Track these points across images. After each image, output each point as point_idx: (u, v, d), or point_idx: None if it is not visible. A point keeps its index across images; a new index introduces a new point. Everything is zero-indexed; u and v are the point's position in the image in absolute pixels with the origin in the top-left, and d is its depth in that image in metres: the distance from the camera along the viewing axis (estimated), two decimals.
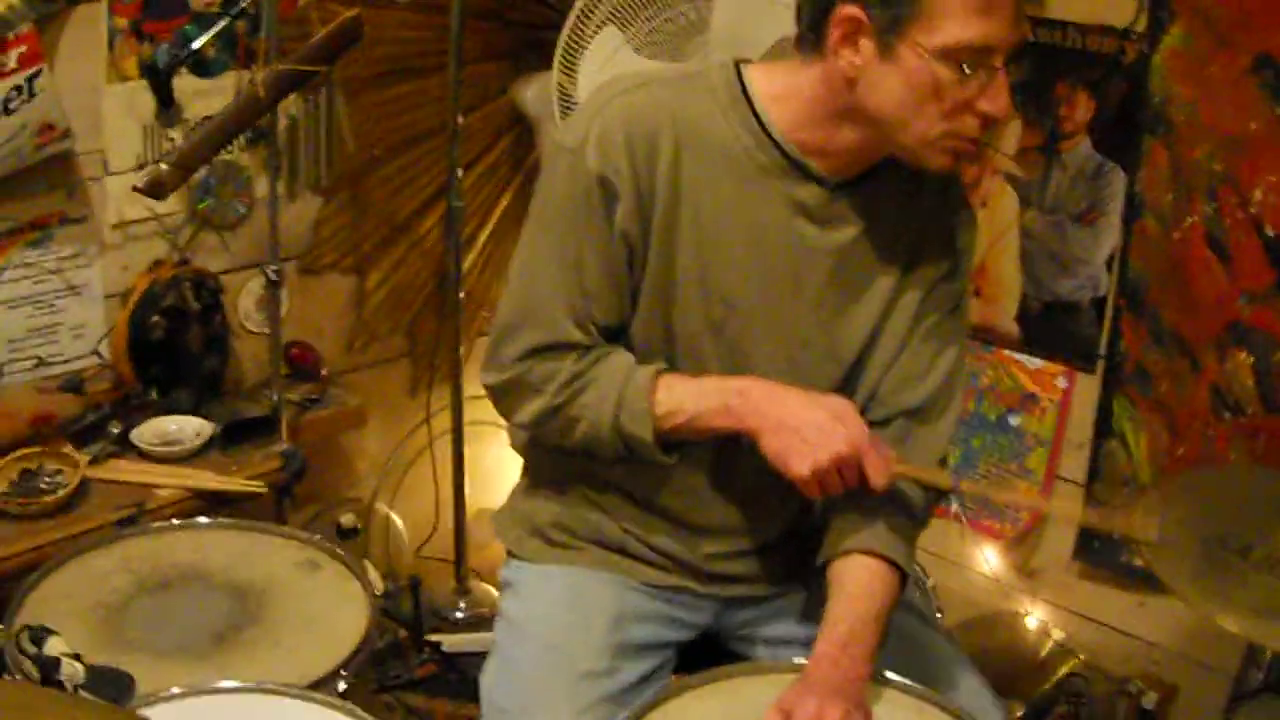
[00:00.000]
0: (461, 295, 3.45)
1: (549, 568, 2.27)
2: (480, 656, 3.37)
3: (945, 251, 2.14)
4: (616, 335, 2.09)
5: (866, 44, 1.89)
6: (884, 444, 2.03)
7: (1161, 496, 2.51)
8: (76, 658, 1.97)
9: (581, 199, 1.99)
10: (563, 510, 2.26)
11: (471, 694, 3.27)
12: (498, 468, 3.83)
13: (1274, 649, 2.15)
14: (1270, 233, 2.88)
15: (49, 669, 1.93)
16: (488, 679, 2.23)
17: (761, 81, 2.03)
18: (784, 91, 2.01)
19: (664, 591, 2.25)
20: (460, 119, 3.30)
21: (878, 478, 1.97)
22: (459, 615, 3.65)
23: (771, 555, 2.26)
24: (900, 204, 2.09)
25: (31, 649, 1.97)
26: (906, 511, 2.12)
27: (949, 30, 1.83)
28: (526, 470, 2.35)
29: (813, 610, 2.16)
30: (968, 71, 1.84)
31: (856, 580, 2.05)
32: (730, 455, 2.13)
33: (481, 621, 3.61)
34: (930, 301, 2.14)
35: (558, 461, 2.24)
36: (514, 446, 2.35)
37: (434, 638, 3.49)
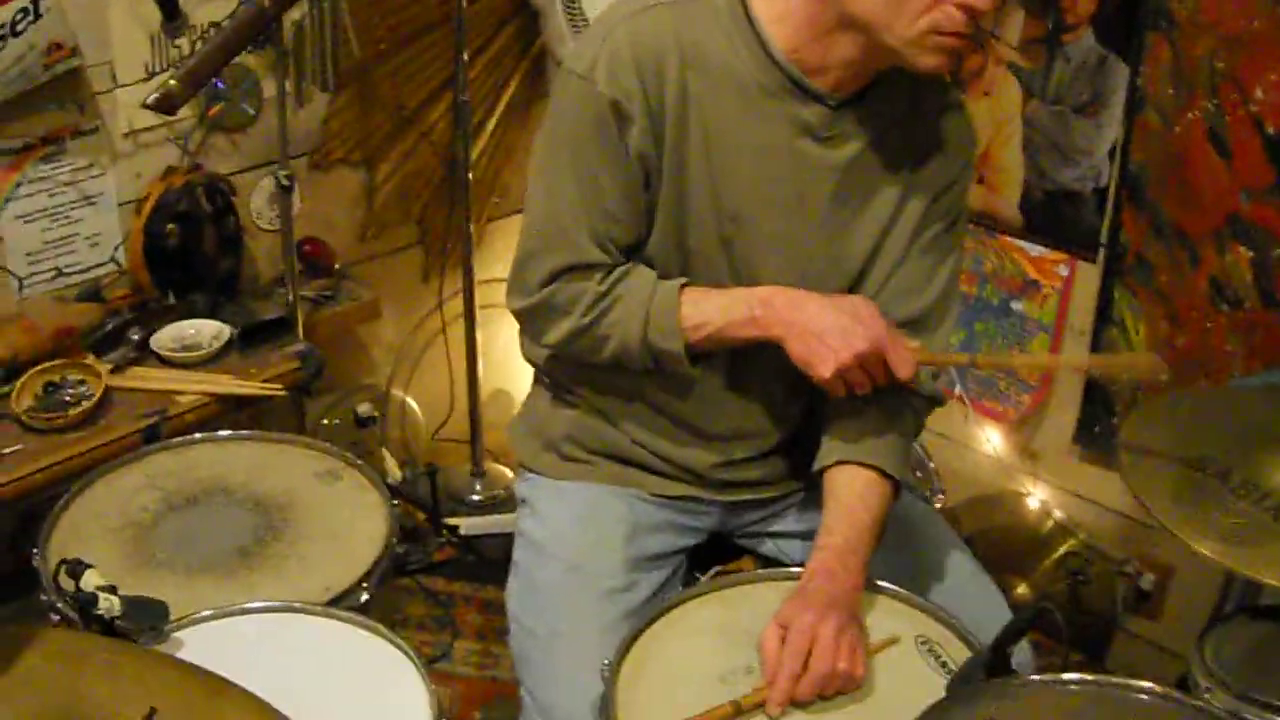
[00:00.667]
0: (469, 181, 3.49)
1: (564, 484, 2.35)
2: (497, 539, 3.52)
3: (945, 167, 2.19)
4: (634, 254, 2.15)
5: None
6: (904, 337, 2.10)
7: (1145, 416, 2.54)
8: (112, 590, 2.04)
9: (595, 124, 2.04)
10: (575, 424, 2.34)
11: (489, 576, 3.42)
12: (510, 350, 3.86)
13: (1247, 575, 2.20)
14: (1271, 131, 2.90)
15: (87, 604, 2.01)
16: (513, 600, 2.31)
17: (762, 3, 2.06)
18: (783, 11, 2.05)
19: (673, 501, 2.34)
20: (464, 7, 3.31)
21: (902, 369, 2.05)
22: (475, 498, 3.76)
23: (775, 460, 2.35)
24: (902, 120, 2.14)
25: (70, 584, 2.05)
26: (902, 419, 2.20)
27: None
28: (538, 381, 2.42)
29: (811, 507, 2.27)
30: None
31: (850, 489, 2.14)
32: (744, 361, 2.20)
33: (497, 503, 3.72)
34: (931, 215, 2.19)
35: (570, 374, 2.31)
36: (525, 356, 2.40)
37: (451, 521, 3.59)
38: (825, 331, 2.03)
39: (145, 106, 2.82)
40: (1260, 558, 2.12)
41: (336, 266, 3.47)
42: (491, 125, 3.79)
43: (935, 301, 2.21)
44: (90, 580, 2.05)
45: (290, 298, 3.19)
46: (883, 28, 1.94)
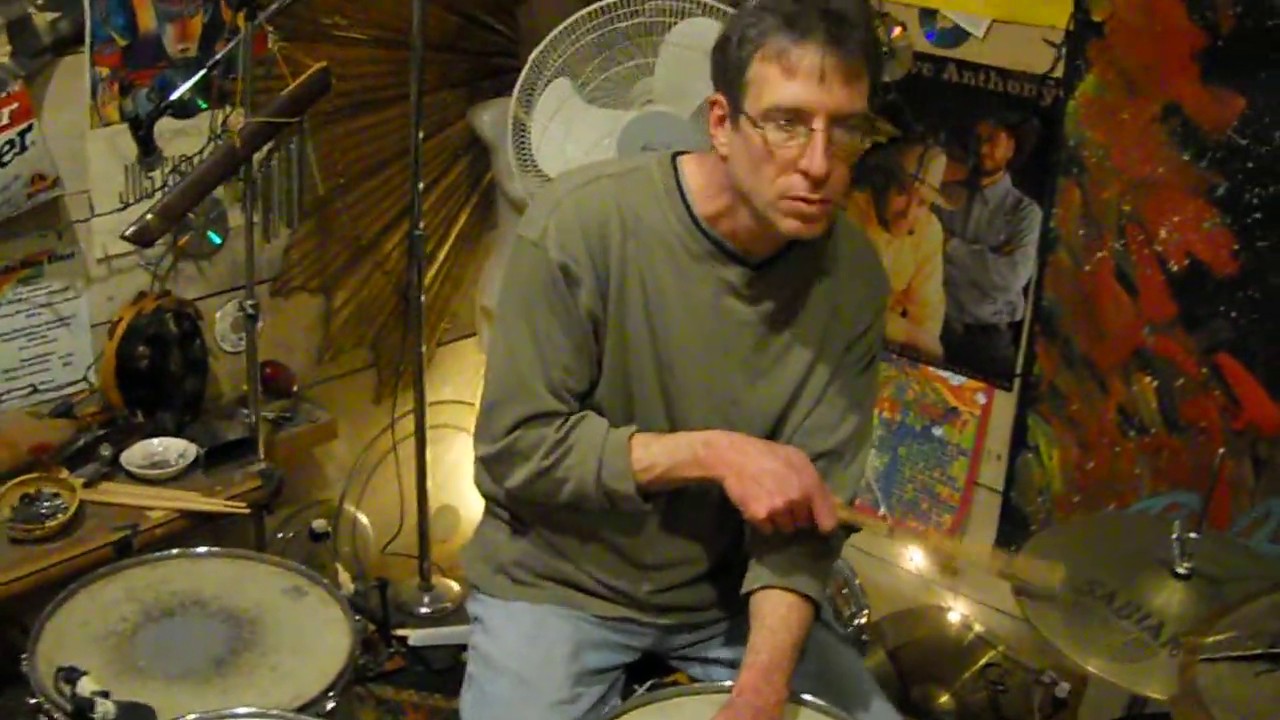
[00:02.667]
0: (423, 298, 3.65)
1: (513, 604, 2.54)
2: (444, 649, 3.65)
3: (859, 316, 2.41)
4: (587, 400, 2.35)
5: (728, 123, 2.18)
6: (830, 492, 2.29)
7: (1042, 543, 2.70)
8: (105, 695, 2.19)
9: (548, 285, 2.25)
10: (526, 552, 2.53)
11: (436, 685, 3.54)
12: (457, 468, 4.04)
13: (1129, 690, 2.38)
14: (1174, 268, 3.11)
15: (84, 708, 2.16)
16: (466, 710, 2.50)
17: (692, 174, 2.30)
18: (705, 182, 2.28)
19: (613, 621, 2.54)
20: (420, 144, 3.49)
21: (825, 521, 2.25)
22: (424, 610, 3.87)
23: (704, 587, 2.55)
24: (819, 276, 2.36)
25: (67, 689, 2.20)
26: (820, 546, 2.37)
27: (766, 96, 2.09)
28: (491, 512, 2.60)
29: (738, 634, 2.46)
30: (788, 131, 2.08)
31: (774, 613, 2.33)
32: (680, 499, 2.40)
33: (445, 616, 3.84)
34: (846, 360, 2.41)
35: (519, 506, 2.51)
36: (481, 490, 2.59)
37: (401, 632, 3.71)
38: (762, 475, 2.23)
39: (123, 239, 2.97)
40: (1142, 673, 2.30)
41: (295, 388, 3.62)
42: (443, 255, 3.97)
43: (849, 437, 2.42)
44: (85, 686, 2.21)
45: (252, 419, 3.33)
46: (752, 194, 2.16)
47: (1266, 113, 2.92)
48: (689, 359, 2.32)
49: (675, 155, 2.34)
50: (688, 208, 2.28)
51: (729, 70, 2.14)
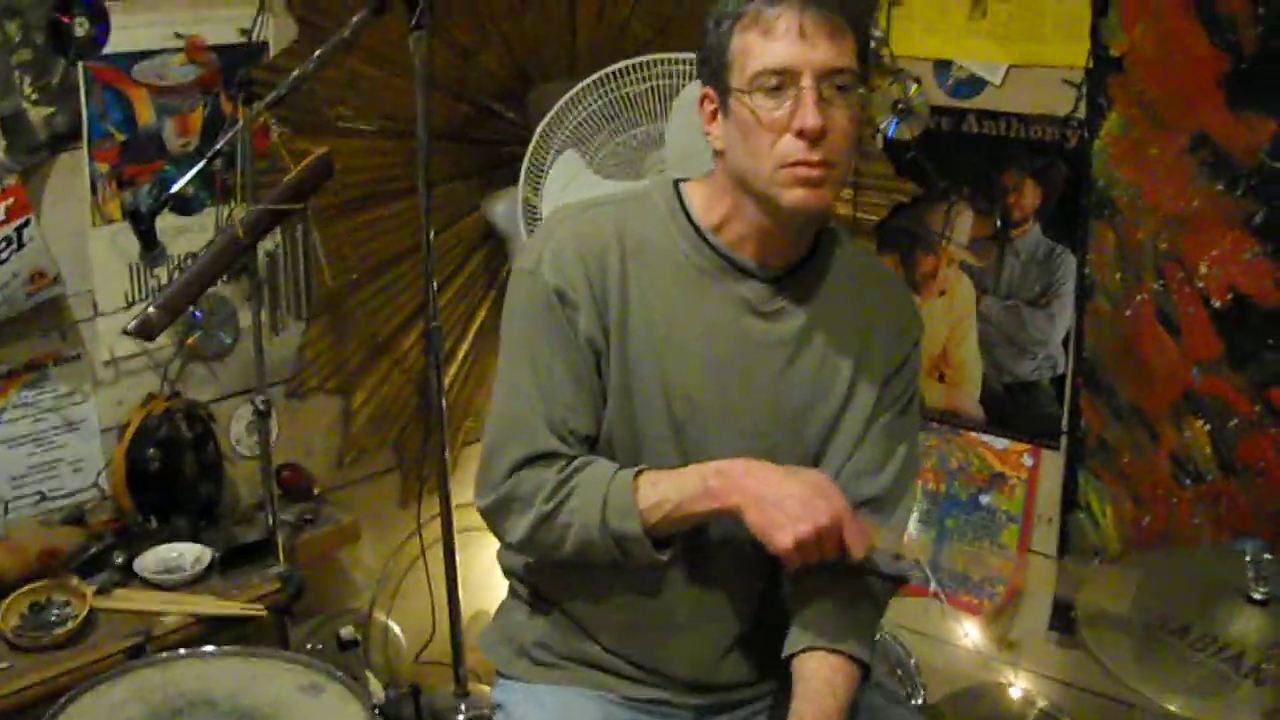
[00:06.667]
0: (444, 406, 3.55)
1: (537, 687, 2.37)
2: None
3: (896, 346, 2.27)
4: (595, 446, 2.20)
5: (719, 114, 2.10)
6: (860, 517, 2.12)
7: (1099, 586, 2.58)
8: None
9: (545, 314, 2.13)
10: (547, 630, 2.37)
11: None
12: (490, 572, 3.87)
13: None
14: (1216, 304, 3.01)
15: None
16: None
17: (695, 193, 2.20)
18: (707, 193, 2.18)
19: (643, 704, 2.35)
20: (432, 238, 3.41)
21: (857, 549, 2.07)
22: (460, 718, 3.73)
23: (739, 659, 2.35)
24: (844, 293, 2.23)
25: None
26: (867, 601, 2.22)
27: (751, 64, 2.02)
28: (512, 591, 2.47)
29: (780, 715, 2.24)
30: (776, 97, 2.01)
31: (818, 675, 2.14)
32: (704, 551, 2.23)
33: None
34: (885, 397, 2.25)
35: (543, 581, 2.36)
36: (502, 565, 2.46)
37: None
38: (785, 500, 2.04)
39: (125, 333, 2.89)
40: (1226, 707, 2.15)
41: (316, 492, 3.51)
42: (463, 351, 3.87)
43: (892, 483, 2.25)
44: None
45: (270, 522, 3.22)
46: (751, 175, 2.06)
47: None
48: (706, 389, 2.18)
49: (677, 181, 2.24)
50: (692, 224, 2.17)
51: (713, 55, 2.08)
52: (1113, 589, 2.48)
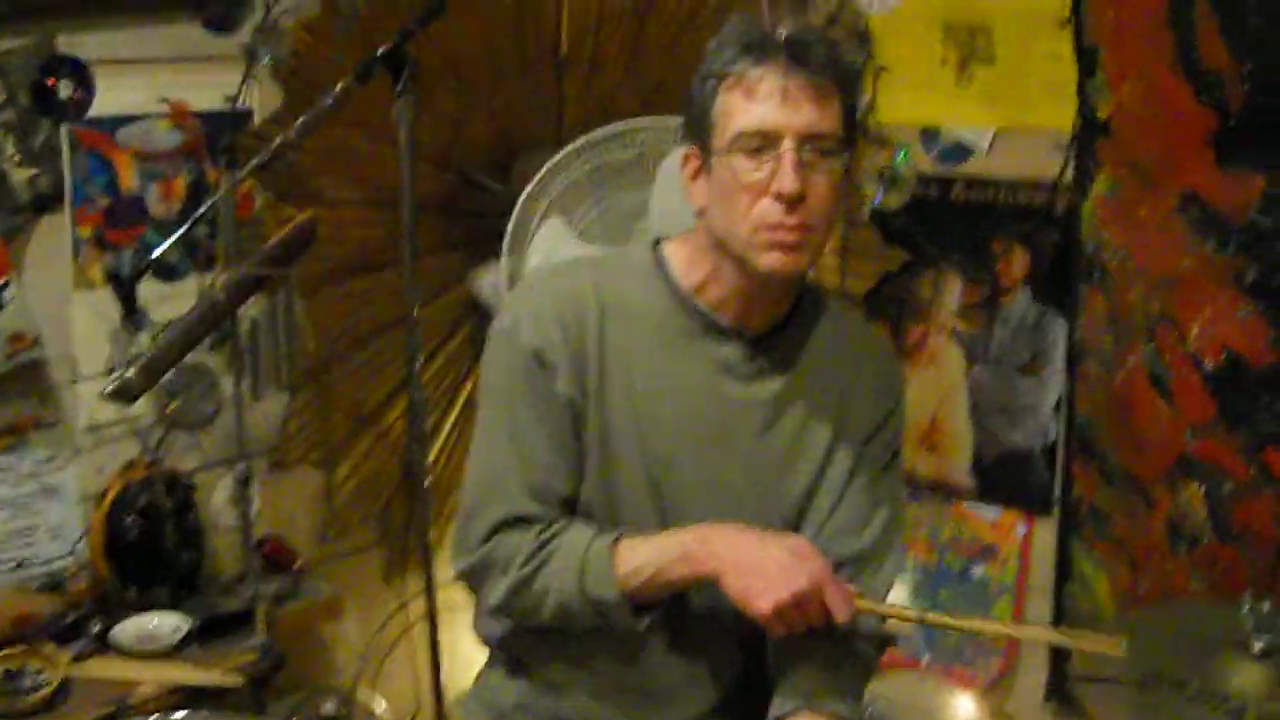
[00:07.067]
0: (428, 483, 3.49)
1: None
2: None
3: (876, 405, 2.22)
4: (573, 509, 2.14)
5: (701, 173, 2.06)
6: (844, 581, 2.07)
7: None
8: None
9: (522, 375, 2.08)
10: (523, 694, 2.30)
11: None
12: (475, 650, 3.84)
13: None
14: (1209, 365, 2.98)
15: None
16: None
17: (676, 252, 2.16)
18: (688, 253, 2.14)
19: None
20: (418, 311, 3.37)
21: (840, 612, 2.01)
22: None
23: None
24: (825, 354, 2.18)
25: None
26: (853, 663, 2.16)
27: (732, 126, 1.98)
28: (490, 659, 2.40)
29: None
30: (757, 158, 1.97)
31: None
32: (684, 618, 2.17)
33: None
34: (866, 455, 2.20)
35: (521, 646, 2.28)
36: (478, 634, 2.39)
37: None
38: (764, 565, 2.00)
39: (104, 396, 2.85)
40: None
41: (298, 565, 3.46)
42: (448, 426, 3.82)
43: (875, 542, 2.20)
44: None
45: (251, 593, 3.17)
46: (729, 236, 2.02)
47: None
48: (684, 451, 2.13)
49: (657, 241, 2.21)
50: (672, 284, 2.13)
51: (697, 114, 2.05)
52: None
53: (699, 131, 2.05)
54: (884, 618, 2.20)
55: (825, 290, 2.29)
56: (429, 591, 3.56)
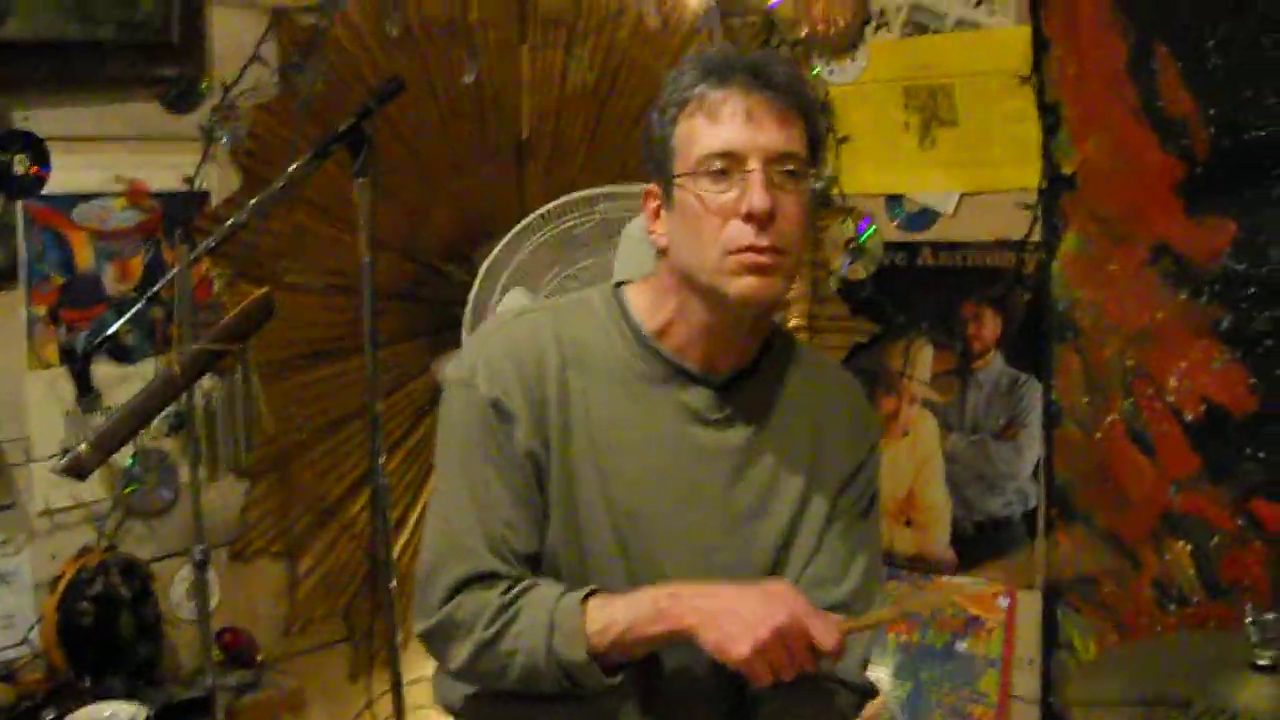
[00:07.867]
0: (394, 582, 3.38)
1: None
2: None
3: (850, 451, 2.15)
4: (538, 565, 2.05)
5: (663, 209, 2.02)
6: (825, 612, 1.96)
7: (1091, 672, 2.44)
8: None
9: (480, 426, 2.01)
10: None
11: None
12: None
13: None
14: (1189, 417, 2.93)
15: None
16: None
17: (638, 296, 2.10)
18: (653, 297, 2.08)
19: None
20: (381, 403, 3.28)
21: (827, 640, 1.90)
22: None
23: None
24: (795, 398, 2.12)
25: None
26: (832, 717, 2.08)
27: (696, 149, 1.95)
28: None
29: None
30: (723, 182, 1.93)
31: None
32: (656, 676, 2.06)
33: None
34: (842, 503, 2.13)
35: (482, 713, 2.16)
36: (441, 702, 2.26)
37: None
38: (739, 610, 1.89)
39: (55, 472, 2.77)
40: None
41: (260, 659, 3.34)
42: (414, 519, 3.73)
43: (855, 591, 2.11)
44: None
45: (209, 682, 3.05)
46: (696, 266, 1.96)
47: (1259, 231, 2.82)
48: (651, 502, 2.04)
49: (618, 285, 2.15)
50: (635, 328, 2.07)
51: (656, 147, 2.01)
52: (1103, 680, 2.33)
53: (660, 164, 2.01)
54: (865, 663, 2.14)
55: (793, 334, 2.24)
56: (395, 690, 3.45)
